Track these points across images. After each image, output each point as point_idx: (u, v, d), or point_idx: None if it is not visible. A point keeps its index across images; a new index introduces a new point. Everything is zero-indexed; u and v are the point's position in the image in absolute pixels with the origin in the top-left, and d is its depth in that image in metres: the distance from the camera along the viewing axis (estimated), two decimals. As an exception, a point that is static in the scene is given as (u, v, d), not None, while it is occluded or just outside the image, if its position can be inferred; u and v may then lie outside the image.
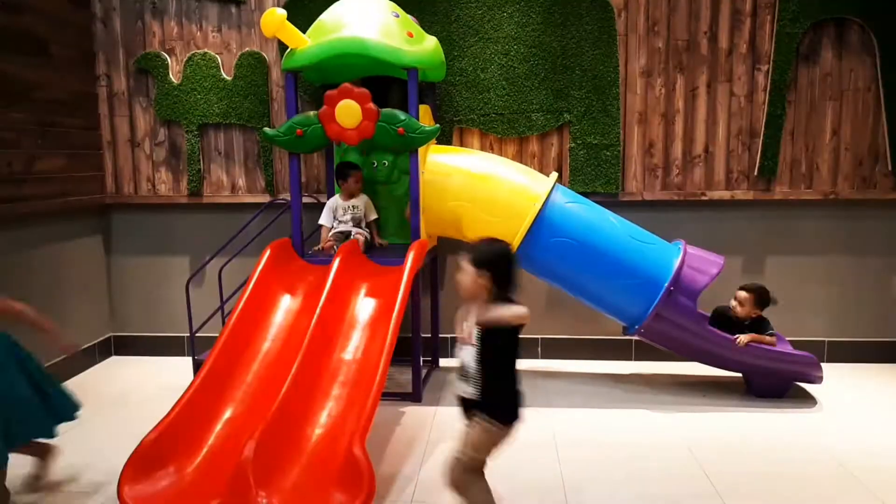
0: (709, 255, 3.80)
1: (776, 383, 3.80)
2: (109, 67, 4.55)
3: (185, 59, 4.46)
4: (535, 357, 4.54)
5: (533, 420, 3.52)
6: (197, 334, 3.93)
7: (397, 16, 3.66)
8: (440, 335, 4.48)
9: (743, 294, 3.81)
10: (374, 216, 3.97)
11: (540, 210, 3.63)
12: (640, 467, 3.02)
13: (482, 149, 4.39)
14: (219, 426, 2.87)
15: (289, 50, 3.61)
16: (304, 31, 3.60)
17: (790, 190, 4.34)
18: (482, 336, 2.21)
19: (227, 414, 2.93)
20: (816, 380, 3.77)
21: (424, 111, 3.86)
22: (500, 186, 3.76)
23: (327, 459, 2.68)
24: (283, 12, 3.44)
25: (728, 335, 3.69)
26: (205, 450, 2.77)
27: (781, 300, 3.87)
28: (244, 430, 2.81)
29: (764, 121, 4.27)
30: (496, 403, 2.24)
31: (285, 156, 4.31)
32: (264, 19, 3.46)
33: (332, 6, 3.72)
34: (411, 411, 3.66)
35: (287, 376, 2.89)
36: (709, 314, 3.88)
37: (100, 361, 4.58)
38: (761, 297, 3.80)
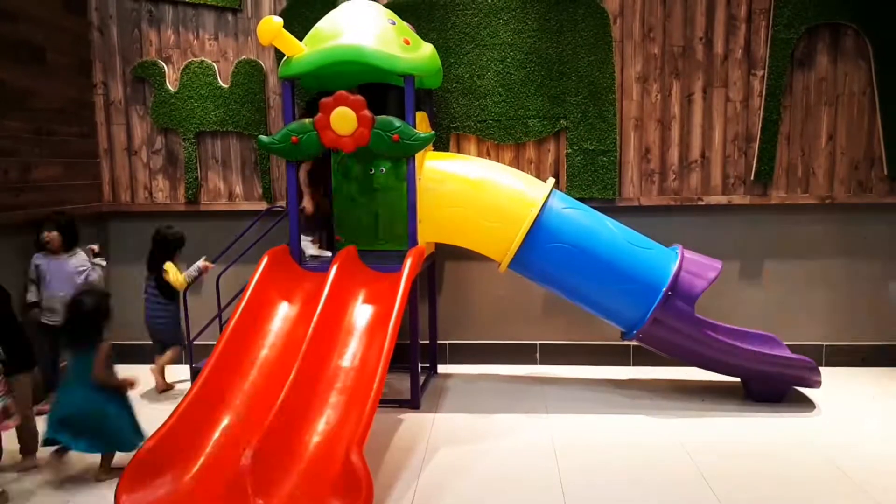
0: (706, 259, 3.80)
1: (774, 388, 3.80)
2: (106, 75, 4.55)
3: (181, 67, 4.46)
4: (533, 363, 4.54)
5: (531, 426, 3.54)
6: (194, 342, 3.92)
7: (393, 23, 3.67)
8: (438, 341, 4.48)
9: None
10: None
11: (537, 216, 3.64)
12: (639, 472, 3.01)
13: (479, 155, 4.40)
14: (216, 434, 2.86)
15: (285, 58, 3.61)
16: (300, 39, 3.61)
17: (786, 195, 4.35)
18: None
19: (225, 422, 2.91)
20: (814, 384, 3.77)
21: (421, 118, 3.87)
22: (498, 192, 3.76)
23: (325, 467, 2.68)
24: (279, 20, 3.44)
25: (726, 339, 3.69)
26: (203, 458, 2.76)
27: (779, 304, 3.87)
28: (242, 437, 2.80)
29: (760, 126, 4.28)
30: None
31: (282, 163, 4.31)
32: (261, 27, 3.46)
33: (328, 14, 3.73)
34: (409, 418, 3.65)
35: (285, 384, 2.89)
36: (707, 319, 3.87)
37: (97, 370, 4.57)
38: None
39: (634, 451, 3.22)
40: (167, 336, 4.16)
